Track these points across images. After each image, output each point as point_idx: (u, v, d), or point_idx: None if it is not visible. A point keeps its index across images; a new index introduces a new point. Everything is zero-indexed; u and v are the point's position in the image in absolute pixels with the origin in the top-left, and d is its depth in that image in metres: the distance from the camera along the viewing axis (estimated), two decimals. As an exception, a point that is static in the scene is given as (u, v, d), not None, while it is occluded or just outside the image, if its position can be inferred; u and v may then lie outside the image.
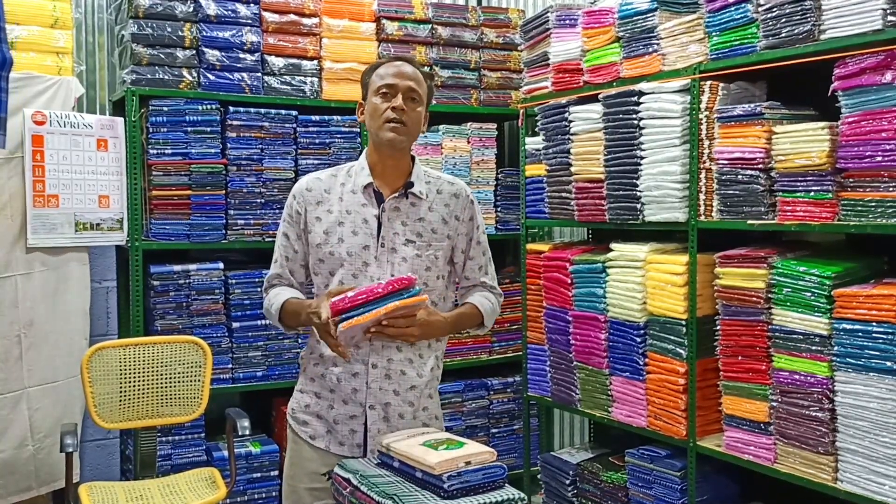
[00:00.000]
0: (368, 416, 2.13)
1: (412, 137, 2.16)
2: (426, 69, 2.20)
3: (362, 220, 2.14)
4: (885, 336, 2.43)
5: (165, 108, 3.60)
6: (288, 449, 2.28)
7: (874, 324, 2.45)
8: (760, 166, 2.79)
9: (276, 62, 3.88)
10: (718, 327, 2.95)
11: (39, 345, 3.50)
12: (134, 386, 3.24)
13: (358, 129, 3.99)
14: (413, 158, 2.23)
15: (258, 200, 3.79)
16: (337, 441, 2.16)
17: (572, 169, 3.57)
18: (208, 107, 3.68)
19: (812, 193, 2.64)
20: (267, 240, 3.76)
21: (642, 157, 3.23)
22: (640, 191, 3.25)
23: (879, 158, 2.44)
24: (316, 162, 3.88)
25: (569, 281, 3.57)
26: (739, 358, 2.88)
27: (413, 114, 2.12)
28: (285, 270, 2.24)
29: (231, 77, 3.77)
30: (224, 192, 3.73)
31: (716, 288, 2.95)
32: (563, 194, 3.66)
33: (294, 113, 3.87)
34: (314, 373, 2.20)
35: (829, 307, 2.58)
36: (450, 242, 2.22)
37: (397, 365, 2.13)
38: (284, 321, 2.19)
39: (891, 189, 2.43)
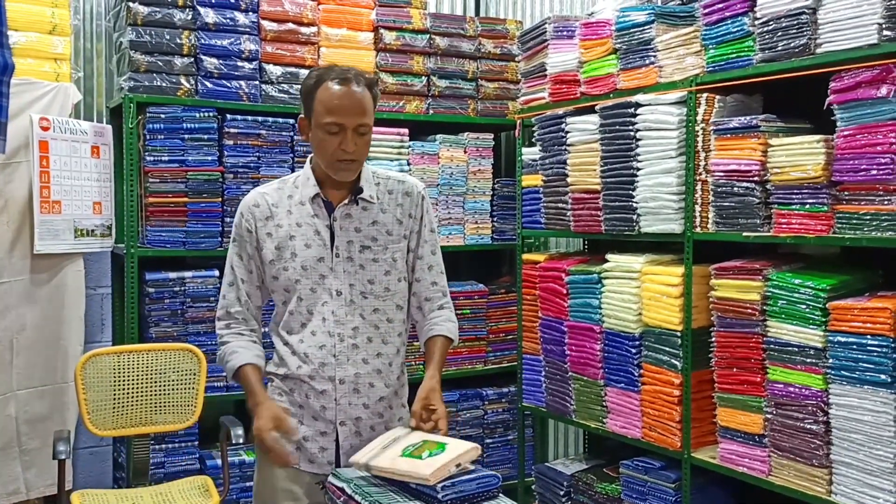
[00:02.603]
0: (340, 433, 2.10)
1: (362, 165, 2.10)
2: (370, 76, 2.08)
3: (314, 231, 2.09)
4: (879, 349, 2.43)
5: (163, 116, 3.60)
6: (256, 465, 2.23)
7: (869, 336, 2.45)
8: (756, 178, 2.80)
9: (274, 70, 3.89)
10: (713, 339, 2.95)
11: (30, 349, 3.50)
12: (128, 393, 3.23)
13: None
14: None
15: (254, 208, 3.78)
16: (306, 459, 2.12)
17: (569, 179, 3.58)
18: (205, 114, 3.69)
19: (807, 206, 2.65)
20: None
21: (638, 169, 3.24)
22: (636, 202, 3.25)
23: (875, 172, 2.45)
24: (313, 170, 3.88)
25: (564, 291, 3.57)
26: (734, 370, 2.88)
27: (362, 147, 2.03)
28: (242, 294, 2.14)
29: (229, 85, 3.78)
30: (220, 199, 3.73)
31: (711, 299, 2.95)
32: (560, 205, 3.67)
33: (291, 121, 3.88)
34: (282, 387, 2.15)
35: (823, 320, 2.58)
36: (406, 242, 2.18)
37: (365, 378, 2.10)
38: (236, 381, 2.14)
39: (886, 202, 2.44)
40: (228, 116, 3.75)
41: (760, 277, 2.77)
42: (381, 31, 4.13)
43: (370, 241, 2.12)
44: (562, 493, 3.68)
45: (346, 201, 2.10)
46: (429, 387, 2.08)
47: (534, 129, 3.82)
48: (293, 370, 2.10)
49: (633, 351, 3.26)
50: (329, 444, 2.11)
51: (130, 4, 3.59)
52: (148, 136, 3.59)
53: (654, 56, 3.21)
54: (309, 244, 2.09)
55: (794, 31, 2.68)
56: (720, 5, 2.94)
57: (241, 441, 3.17)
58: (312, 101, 2.03)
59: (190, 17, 3.71)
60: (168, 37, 3.65)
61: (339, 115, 1.98)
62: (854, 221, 2.53)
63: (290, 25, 3.92)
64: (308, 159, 2.18)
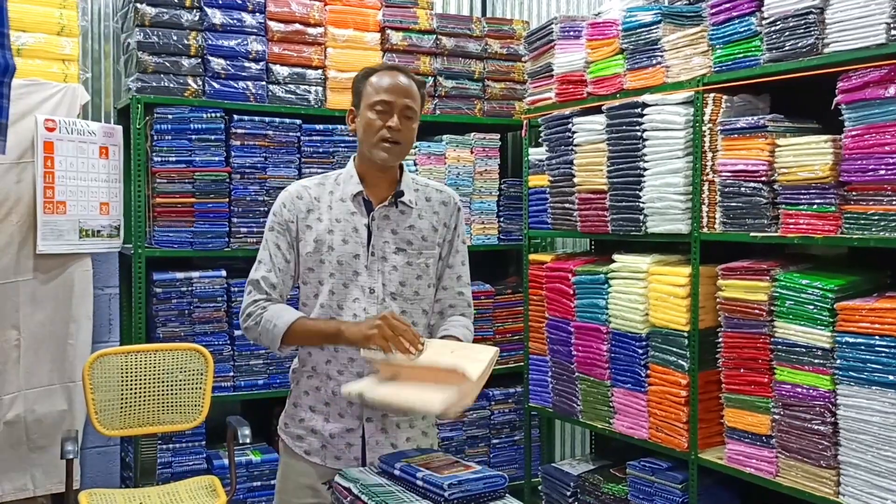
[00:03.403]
0: (366, 429, 2.11)
1: (405, 154, 2.14)
2: (420, 77, 2.17)
3: (352, 228, 2.11)
4: (887, 350, 2.42)
5: (170, 116, 3.61)
6: (280, 463, 2.25)
7: (877, 337, 2.45)
8: (763, 179, 2.79)
9: (281, 71, 3.89)
10: (720, 339, 2.94)
11: (38, 349, 3.51)
12: (135, 393, 3.24)
13: (362, 139, 3.99)
14: (401, 166, 2.20)
15: (262, 209, 3.79)
16: (333, 455, 2.13)
17: (575, 180, 3.58)
18: (213, 115, 3.70)
19: (815, 206, 2.65)
20: (270, 248, 3.75)
21: (645, 169, 3.24)
22: (642, 202, 3.25)
23: (882, 172, 2.45)
24: (319, 170, 3.88)
25: (571, 292, 3.57)
26: (741, 370, 2.87)
27: (408, 131, 2.09)
28: (277, 281, 2.13)
29: (236, 85, 3.79)
30: (227, 200, 3.74)
31: (718, 300, 2.94)
32: (566, 205, 3.66)
33: (298, 122, 3.89)
34: (308, 385, 2.17)
35: (831, 320, 2.57)
36: (439, 250, 2.20)
37: None
38: (292, 338, 2.06)
39: (894, 202, 2.43)
40: (235, 117, 3.76)
41: (768, 278, 2.77)
42: (388, 31, 4.13)
43: (405, 245, 2.14)
44: (568, 493, 3.68)
45: (385, 202, 2.13)
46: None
47: (540, 129, 3.82)
48: (321, 365, 2.12)
49: (640, 351, 3.25)
50: (355, 441, 2.12)
51: (138, 5, 3.60)
52: (155, 137, 3.60)
53: (661, 56, 3.21)
54: (346, 240, 2.11)
55: (802, 30, 2.67)
56: (727, 5, 2.94)
57: (247, 441, 3.18)
58: (363, 87, 2.11)
59: (197, 18, 3.72)
60: (175, 38, 3.66)
61: (388, 94, 2.06)
62: (862, 222, 2.52)
63: (297, 26, 3.93)
64: (351, 159, 2.21)
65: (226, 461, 3.52)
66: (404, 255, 2.13)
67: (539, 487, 3.94)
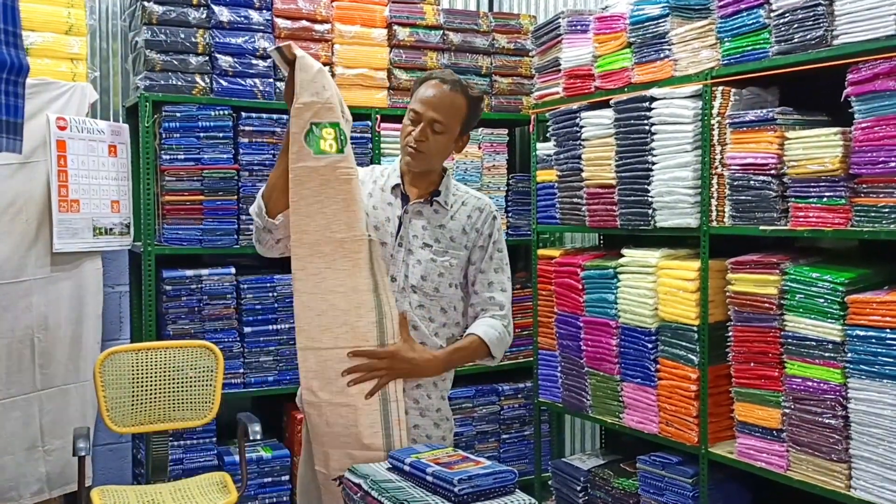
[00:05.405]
0: None
1: (432, 163, 2.22)
2: (476, 87, 2.25)
3: (385, 217, 2.21)
4: (898, 343, 2.41)
5: (178, 114, 3.62)
6: (303, 451, 2.30)
7: (888, 330, 2.44)
8: (773, 172, 2.78)
9: (289, 68, 3.89)
10: (730, 333, 2.94)
11: (53, 348, 3.53)
12: (146, 390, 3.25)
13: (369, 135, 4.00)
14: (444, 170, 2.29)
15: (270, 206, 3.80)
16: None
17: (583, 174, 3.57)
18: (221, 112, 3.70)
19: (825, 199, 2.63)
20: (279, 245, 3.76)
21: (654, 163, 3.23)
22: (651, 196, 3.24)
23: (893, 164, 2.43)
24: (327, 167, 3.89)
25: (580, 286, 3.56)
26: (752, 364, 2.86)
27: (433, 143, 2.17)
28: None
29: (243, 83, 3.79)
30: (236, 197, 3.75)
31: (728, 294, 2.94)
32: (575, 200, 3.66)
33: (306, 118, 3.88)
34: None
35: (842, 313, 2.56)
36: (466, 253, 2.25)
37: None
38: (272, 193, 2.15)
39: (904, 195, 2.42)
40: (243, 114, 3.77)
41: (778, 271, 2.76)
42: (395, 27, 4.13)
43: (433, 241, 2.21)
44: (579, 488, 3.68)
45: (421, 199, 2.22)
46: (416, 346, 2.15)
47: (548, 124, 3.81)
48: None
49: (650, 346, 3.25)
50: None
51: (145, 4, 3.61)
52: (164, 135, 3.61)
53: (669, 49, 3.20)
54: (378, 227, 2.20)
55: (811, 22, 2.66)
56: (735, -3, 2.93)
57: (258, 437, 3.19)
58: (414, 90, 2.22)
59: (204, 15, 3.73)
60: (183, 35, 3.67)
61: (420, 105, 2.16)
62: (872, 214, 2.51)
63: (304, 23, 3.93)
64: (399, 157, 2.29)
65: (237, 457, 3.53)
66: (430, 250, 2.19)
67: (549, 482, 3.94)
